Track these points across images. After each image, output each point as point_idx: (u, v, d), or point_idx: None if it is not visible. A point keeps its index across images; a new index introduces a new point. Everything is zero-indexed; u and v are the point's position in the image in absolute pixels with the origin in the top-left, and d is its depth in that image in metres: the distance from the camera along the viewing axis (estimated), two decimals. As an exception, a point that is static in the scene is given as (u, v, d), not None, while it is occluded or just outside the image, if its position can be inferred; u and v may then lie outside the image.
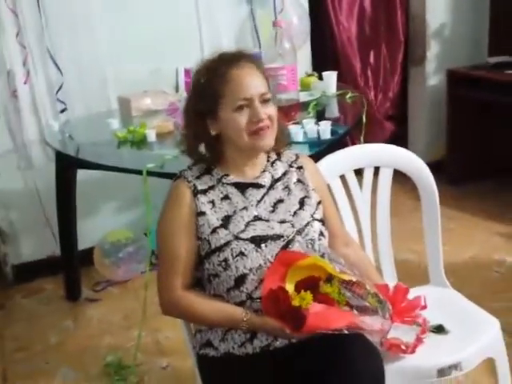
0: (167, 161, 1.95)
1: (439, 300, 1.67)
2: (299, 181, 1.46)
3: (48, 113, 2.88)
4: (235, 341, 1.34)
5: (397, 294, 1.44)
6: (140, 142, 2.28)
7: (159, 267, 1.38)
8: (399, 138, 3.76)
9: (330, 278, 1.30)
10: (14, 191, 2.91)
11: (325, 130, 2.03)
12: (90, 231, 2.94)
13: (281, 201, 1.41)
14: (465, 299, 1.73)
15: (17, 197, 2.92)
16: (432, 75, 3.73)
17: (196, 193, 1.36)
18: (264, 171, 1.43)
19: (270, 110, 1.35)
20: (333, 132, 2.07)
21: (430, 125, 3.81)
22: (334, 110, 2.61)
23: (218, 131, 1.37)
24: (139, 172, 1.95)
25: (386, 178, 1.81)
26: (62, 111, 2.88)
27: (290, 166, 1.48)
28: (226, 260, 1.31)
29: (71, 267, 2.83)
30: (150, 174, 1.96)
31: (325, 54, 3.62)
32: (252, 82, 1.33)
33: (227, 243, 1.32)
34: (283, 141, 1.48)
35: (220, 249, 1.32)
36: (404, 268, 1.91)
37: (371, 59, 3.76)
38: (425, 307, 1.48)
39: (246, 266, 1.30)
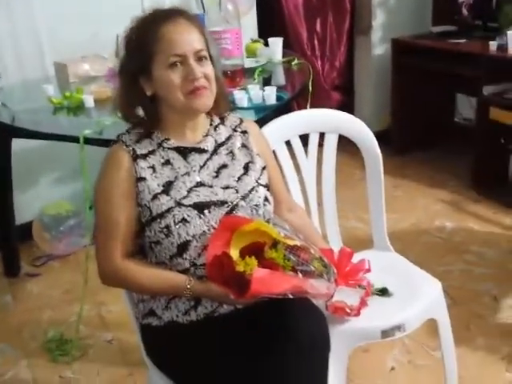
0: (106, 127, 1.86)
1: (383, 263, 1.68)
2: (243, 145, 1.42)
3: (-20, 80, 2.71)
4: (179, 309, 1.30)
5: (341, 258, 1.44)
6: (77, 109, 2.17)
7: (97, 235, 1.31)
8: (345, 108, 3.77)
9: (275, 244, 1.28)
10: None
11: (270, 95, 1.99)
12: (29, 204, 2.82)
13: (224, 166, 1.36)
14: (407, 262, 1.75)
15: None
16: (378, 44, 3.75)
17: (135, 157, 1.29)
18: (207, 135, 1.38)
19: (207, 69, 1.29)
20: (278, 98, 2.03)
21: (376, 94, 3.84)
22: (279, 77, 2.57)
23: (153, 91, 1.30)
24: (76, 139, 1.86)
25: (331, 143, 1.80)
26: (-5, 78, 2.71)
27: (234, 130, 1.43)
28: (167, 227, 1.26)
29: (9, 242, 2.72)
30: (88, 141, 1.87)
31: (271, 21, 3.56)
32: (186, 38, 1.27)
33: (169, 210, 1.27)
34: (225, 104, 1.43)
35: (161, 215, 1.26)
36: (351, 236, 1.93)
37: (318, 28, 3.73)
38: (369, 270, 1.48)
39: (188, 233, 1.26)
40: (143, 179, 1.28)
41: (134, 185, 1.28)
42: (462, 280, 2.41)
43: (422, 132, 3.70)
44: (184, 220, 1.26)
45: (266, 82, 2.43)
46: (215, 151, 1.37)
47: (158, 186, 1.29)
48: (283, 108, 2.06)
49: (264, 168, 1.42)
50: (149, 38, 1.26)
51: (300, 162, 1.80)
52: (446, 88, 3.67)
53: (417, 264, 1.74)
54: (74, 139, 1.88)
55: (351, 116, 1.83)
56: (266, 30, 3.33)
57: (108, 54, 2.77)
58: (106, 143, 1.79)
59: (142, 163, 1.29)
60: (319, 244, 1.45)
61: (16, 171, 2.61)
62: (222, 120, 1.43)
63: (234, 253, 1.26)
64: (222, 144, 1.39)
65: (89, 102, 2.16)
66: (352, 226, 2.79)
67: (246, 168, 1.38)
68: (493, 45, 2.95)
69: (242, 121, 1.46)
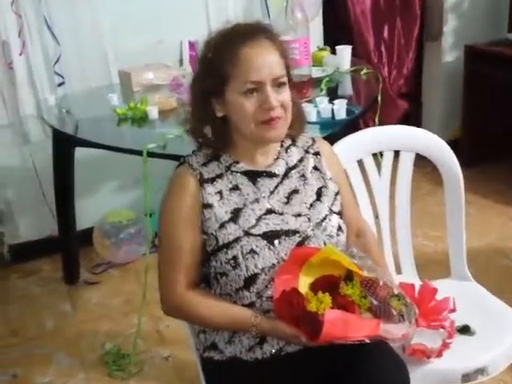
0: (169, 141, 1.81)
1: (462, 296, 1.53)
2: (316, 168, 1.32)
3: (45, 86, 2.73)
4: (243, 344, 1.22)
5: (423, 294, 1.31)
6: (141, 120, 2.14)
7: (160, 263, 1.25)
8: (412, 117, 3.61)
9: (349, 276, 1.17)
10: (9, 168, 2.77)
11: (340, 109, 1.88)
12: (90, 211, 2.82)
13: (296, 191, 1.27)
14: (490, 295, 1.61)
15: (13, 174, 2.78)
16: (448, 51, 3.55)
17: (202, 182, 1.21)
18: (277, 158, 1.28)
19: (284, 96, 1.19)
20: (348, 112, 1.92)
21: (446, 103, 3.64)
22: (347, 88, 2.46)
23: (224, 113, 1.21)
24: (139, 153, 1.82)
25: (406, 162, 1.67)
26: (60, 85, 2.72)
27: (306, 151, 1.33)
28: (235, 258, 1.18)
29: (69, 248, 2.72)
30: (151, 154, 1.83)
31: (336, 27, 3.44)
32: (266, 63, 1.16)
33: (237, 239, 1.18)
34: (300, 128, 1.32)
35: (228, 246, 1.18)
36: (420, 254, 1.80)
37: (385, 34, 3.57)
38: (454, 310, 1.35)
39: (257, 266, 1.17)
40: (210, 206, 1.20)
41: (200, 211, 1.20)
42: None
43: (494, 144, 3.48)
44: (252, 251, 1.17)
45: (332, 92, 2.32)
46: (286, 175, 1.28)
47: (226, 213, 1.21)
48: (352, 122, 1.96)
49: (337, 193, 1.32)
50: (225, 60, 1.16)
51: (372, 182, 1.68)
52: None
53: (491, 291, 1.60)
54: (137, 153, 1.84)
55: (429, 133, 1.71)
56: (330, 37, 3.22)
57: (172, 62, 2.75)
58: (168, 157, 1.76)
59: (209, 188, 1.21)
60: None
61: (78, 177, 2.61)
62: (294, 141, 1.33)
63: (304, 286, 1.17)
64: (294, 167, 1.29)
65: (153, 113, 2.11)
66: (420, 243, 2.63)
67: (319, 194, 1.28)
68: None
69: (314, 141, 1.36)
